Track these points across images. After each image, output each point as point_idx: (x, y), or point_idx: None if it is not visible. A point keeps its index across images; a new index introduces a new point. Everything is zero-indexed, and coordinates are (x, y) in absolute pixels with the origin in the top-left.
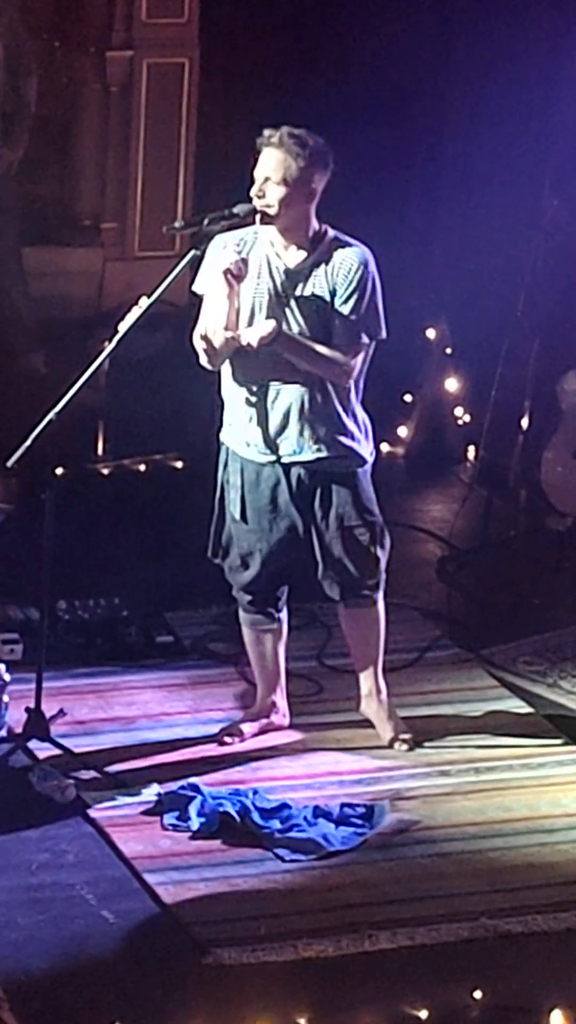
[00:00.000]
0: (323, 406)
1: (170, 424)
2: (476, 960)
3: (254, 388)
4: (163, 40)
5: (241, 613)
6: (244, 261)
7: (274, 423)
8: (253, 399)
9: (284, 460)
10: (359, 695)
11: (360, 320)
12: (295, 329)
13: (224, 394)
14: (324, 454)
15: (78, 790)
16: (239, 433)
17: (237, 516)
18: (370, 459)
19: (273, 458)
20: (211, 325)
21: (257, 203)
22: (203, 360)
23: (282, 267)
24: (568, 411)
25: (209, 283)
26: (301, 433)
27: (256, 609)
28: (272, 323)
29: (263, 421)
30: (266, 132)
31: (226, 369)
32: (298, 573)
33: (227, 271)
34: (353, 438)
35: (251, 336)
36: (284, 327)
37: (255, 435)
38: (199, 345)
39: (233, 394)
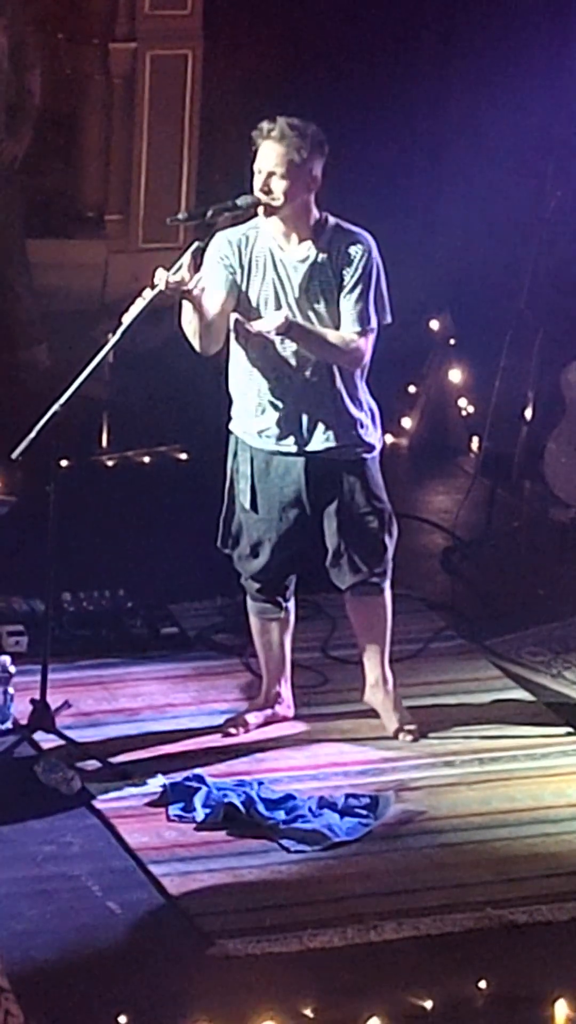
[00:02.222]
0: (331, 395)
1: (174, 416)
2: (481, 950)
3: (263, 379)
4: (166, 32)
5: (249, 602)
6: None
7: (283, 413)
8: (262, 389)
9: (293, 449)
10: (364, 685)
11: (368, 306)
12: (302, 319)
13: (232, 385)
14: (333, 443)
15: (83, 781)
16: (248, 423)
17: (247, 506)
18: (378, 446)
19: (282, 447)
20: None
21: (263, 198)
22: (196, 345)
23: (286, 260)
24: (572, 402)
25: (206, 276)
26: (310, 422)
27: (264, 598)
28: (282, 314)
29: (272, 411)
30: (264, 126)
31: (234, 360)
32: (303, 564)
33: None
34: (361, 425)
35: (262, 328)
36: (291, 317)
37: (264, 425)
38: (187, 330)
39: (242, 384)
